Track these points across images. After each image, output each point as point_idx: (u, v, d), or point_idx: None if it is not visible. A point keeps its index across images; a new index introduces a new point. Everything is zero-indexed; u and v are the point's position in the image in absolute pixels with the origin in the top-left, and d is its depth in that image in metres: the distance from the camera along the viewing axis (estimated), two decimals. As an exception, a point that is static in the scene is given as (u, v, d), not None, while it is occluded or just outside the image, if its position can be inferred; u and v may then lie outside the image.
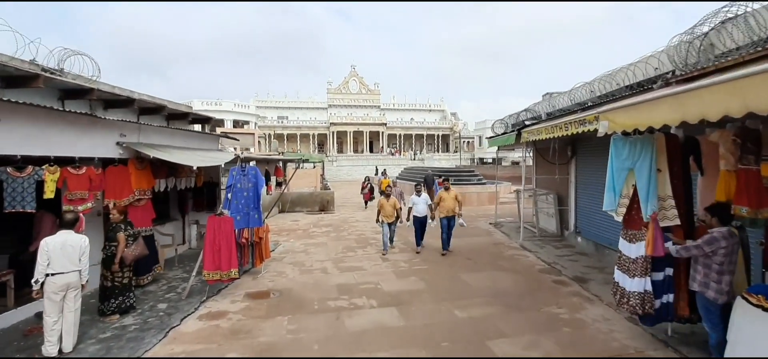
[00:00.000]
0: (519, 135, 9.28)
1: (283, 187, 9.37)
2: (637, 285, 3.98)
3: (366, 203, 16.89)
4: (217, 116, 39.51)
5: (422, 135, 63.75)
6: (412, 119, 66.05)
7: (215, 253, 5.64)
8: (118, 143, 5.70)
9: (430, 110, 69.70)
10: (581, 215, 9.20)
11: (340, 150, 59.29)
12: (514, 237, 10.07)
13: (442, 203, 8.25)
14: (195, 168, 5.69)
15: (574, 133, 6.48)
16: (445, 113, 69.50)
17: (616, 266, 4.53)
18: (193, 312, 5.28)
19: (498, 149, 12.42)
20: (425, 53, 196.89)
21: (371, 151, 60.01)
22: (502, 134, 10.91)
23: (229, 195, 5.67)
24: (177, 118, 7.99)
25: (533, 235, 10.18)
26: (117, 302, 4.93)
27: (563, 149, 9.71)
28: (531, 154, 11.42)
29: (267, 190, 7.92)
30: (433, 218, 8.52)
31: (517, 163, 43.47)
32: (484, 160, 51.61)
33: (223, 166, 6.03)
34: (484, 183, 21.25)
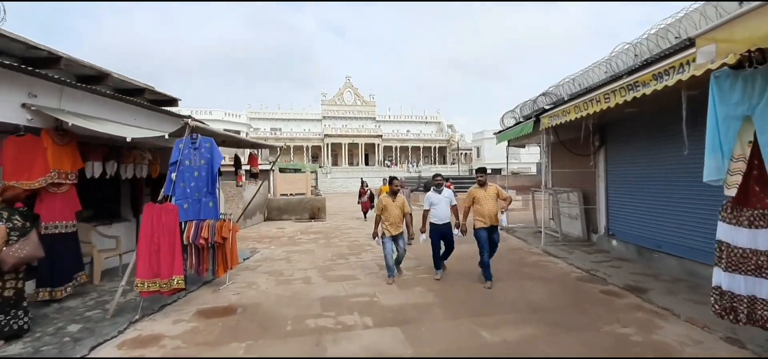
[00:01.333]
0: (537, 123, 7.96)
1: (260, 183, 7.85)
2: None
3: (365, 213, 14.32)
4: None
5: (418, 147, 62.62)
6: (408, 131, 65.04)
7: (152, 255, 4.14)
8: (24, 105, 4.24)
9: (427, 122, 68.79)
10: (615, 214, 7.79)
11: (334, 162, 57.88)
12: (533, 242, 8.61)
13: (476, 205, 5.49)
14: (130, 140, 4.22)
15: (619, 103, 5.16)
16: (442, 125, 68.59)
17: (719, 267, 3.11)
18: (114, 337, 3.75)
19: (508, 146, 11.09)
20: (416, 69, 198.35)
21: (367, 163, 58.66)
22: (515, 124, 9.59)
23: (174, 175, 4.21)
24: (129, 94, 6.54)
25: (555, 240, 8.73)
26: (-5, 323, 3.39)
27: (589, 137, 8.38)
28: (547, 147, 10.06)
29: (237, 180, 6.47)
30: (460, 229, 5.66)
31: (517, 173, 42.28)
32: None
33: (167, 136, 4.53)
34: (486, 190, 19.94)
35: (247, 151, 6.91)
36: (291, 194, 15.75)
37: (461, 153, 56.51)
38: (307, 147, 57.92)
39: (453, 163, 58.87)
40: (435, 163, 60.03)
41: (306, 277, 6.03)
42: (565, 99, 7.84)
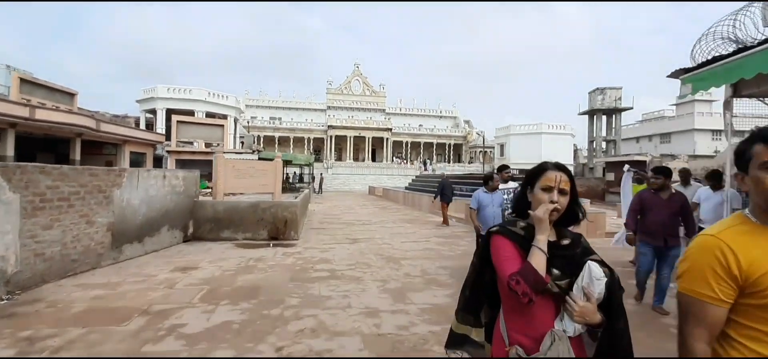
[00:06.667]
0: None
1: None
2: None
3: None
4: (186, 106, 31.47)
5: (432, 143, 56.09)
6: (420, 125, 58.50)
7: None
8: None
9: (441, 117, 62.15)
10: None
11: (339, 157, 51.71)
12: None
13: None
14: None
15: None
16: (458, 120, 61.94)
17: None
18: None
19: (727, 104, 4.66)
20: (422, 70, 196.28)
21: (374, 159, 52.37)
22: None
23: None
24: None
25: None
26: None
27: None
28: None
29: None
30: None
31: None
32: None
33: None
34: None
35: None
36: (243, 195, 9.48)
37: (482, 151, 49.83)
38: (309, 139, 51.76)
39: (470, 161, 52.29)
40: (450, 161, 53.48)
41: None
42: None
